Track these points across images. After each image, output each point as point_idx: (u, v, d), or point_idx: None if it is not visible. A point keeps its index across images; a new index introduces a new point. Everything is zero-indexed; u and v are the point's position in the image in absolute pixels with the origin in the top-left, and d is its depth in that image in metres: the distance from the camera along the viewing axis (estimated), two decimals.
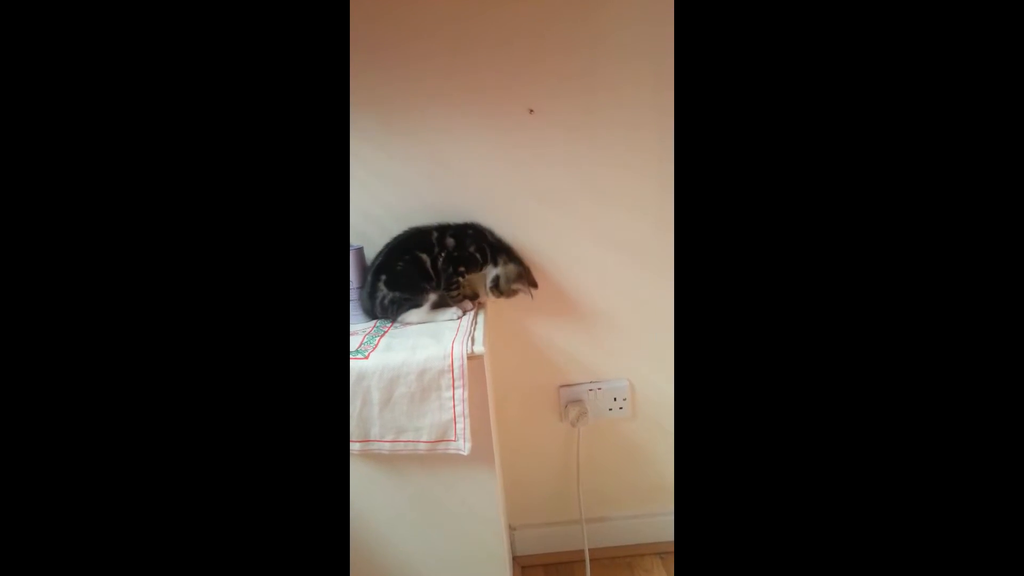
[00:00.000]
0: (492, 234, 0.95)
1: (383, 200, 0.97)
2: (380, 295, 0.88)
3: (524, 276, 0.94)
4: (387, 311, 0.88)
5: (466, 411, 0.75)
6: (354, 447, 0.77)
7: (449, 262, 0.89)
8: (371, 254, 0.94)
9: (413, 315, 0.89)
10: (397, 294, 0.88)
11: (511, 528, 1.19)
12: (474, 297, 0.95)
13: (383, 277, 0.89)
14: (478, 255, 0.91)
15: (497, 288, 0.92)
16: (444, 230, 0.92)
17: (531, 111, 0.93)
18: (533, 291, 0.96)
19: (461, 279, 0.91)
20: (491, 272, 0.92)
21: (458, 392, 0.75)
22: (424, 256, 0.89)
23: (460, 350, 0.75)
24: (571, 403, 1.10)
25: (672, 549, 1.18)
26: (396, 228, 0.94)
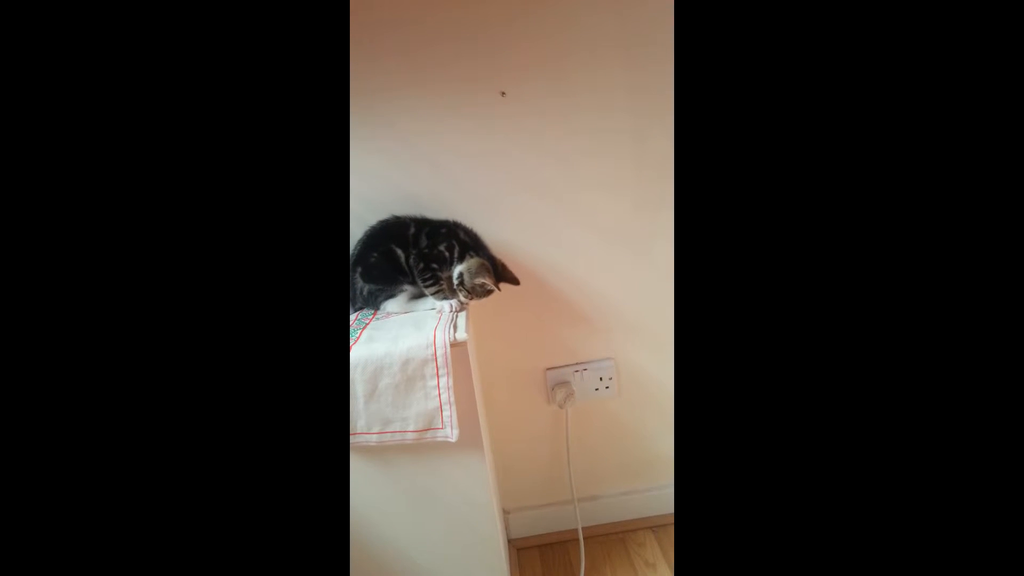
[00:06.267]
0: (467, 231, 0.91)
1: (357, 191, 0.95)
2: (358, 287, 0.89)
3: (486, 268, 0.86)
4: (367, 301, 0.90)
5: (452, 398, 0.75)
6: None
7: (420, 259, 0.87)
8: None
9: (391, 304, 0.89)
10: (372, 286, 0.88)
11: (505, 512, 1.20)
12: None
13: (359, 269, 0.88)
14: (447, 253, 0.87)
15: (463, 286, 0.87)
16: (421, 227, 0.89)
17: (503, 93, 0.92)
18: (499, 286, 0.88)
19: (440, 275, 0.88)
20: (455, 270, 0.87)
21: (443, 380, 0.75)
22: (399, 251, 0.88)
23: (443, 338, 0.75)
24: (558, 385, 1.10)
25: (664, 523, 1.20)
26: (372, 219, 0.92)
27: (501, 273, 0.91)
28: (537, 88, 0.92)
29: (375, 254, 0.88)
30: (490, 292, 0.88)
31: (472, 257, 0.87)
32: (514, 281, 0.93)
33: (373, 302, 0.90)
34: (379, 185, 0.96)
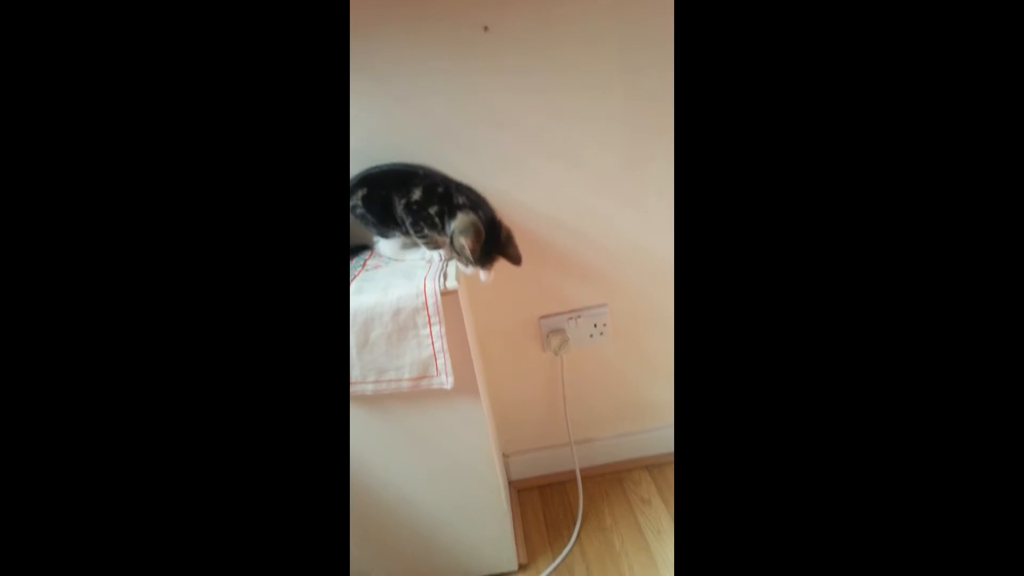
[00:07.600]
0: (467, 193, 0.84)
1: None
2: (351, 202, 0.86)
3: (475, 229, 0.78)
4: (356, 219, 0.88)
5: (445, 346, 0.75)
6: None
7: (408, 212, 0.83)
8: None
9: (384, 245, 0.88)
10: (368, 215, 0.86)
11: (504, 456, 1.23)
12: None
13: (364, 190, 0.85)
14: (437, 218, 0.82)
15: (452, 246, 0.80)
16: (418, 178, 0.84)
17: (486, 28, 0.87)
18: (493, 257, 0.80)
19: (428, 231, 0.84)
20: (449, 226, 0.82)
21: (435, 328, 0.74)
22: (396, 199, 0.84)
23: (433, 287, 0.74)
24: (552, 333, 1.11)
25: (658, 462, 1.24)
26: (355, 167, 0.89)
27: (503, 244, 0.83)
28: (523, 28, 0.87)
29: (382, 190, 0.84)
30: (469, 262, 0.80)
31: (468, 214, 0.80)
32: (515, 259, 0.84)
33: (362, 222, 0.88)
34: (357, 130, 0.92)
